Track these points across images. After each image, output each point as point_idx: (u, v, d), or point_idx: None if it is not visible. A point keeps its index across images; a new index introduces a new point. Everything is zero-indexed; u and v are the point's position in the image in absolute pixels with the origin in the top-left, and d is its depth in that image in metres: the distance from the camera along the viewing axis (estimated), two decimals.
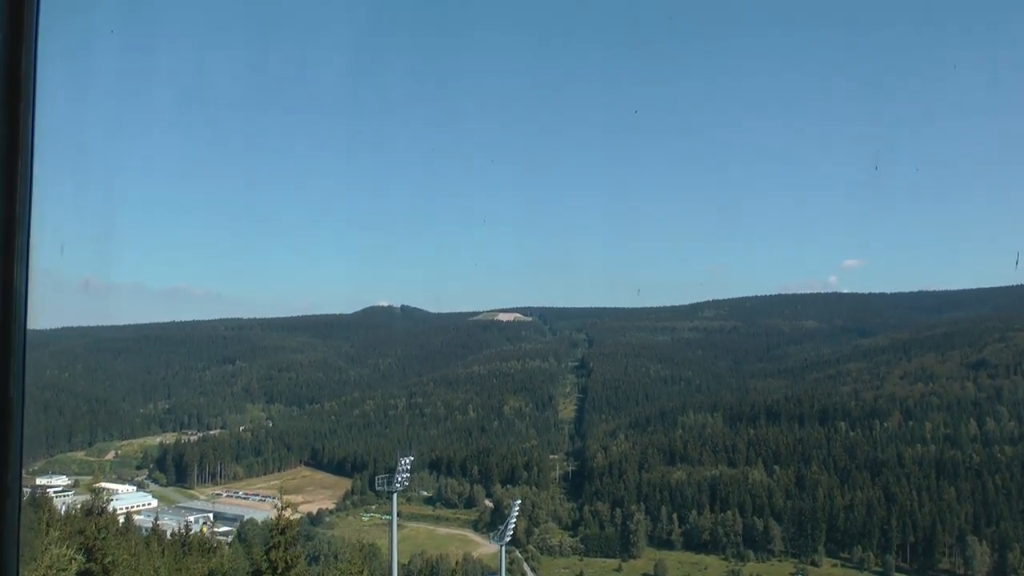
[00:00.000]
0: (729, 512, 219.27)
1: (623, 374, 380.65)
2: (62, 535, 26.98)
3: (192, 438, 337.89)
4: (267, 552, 30.57)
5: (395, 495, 69.52)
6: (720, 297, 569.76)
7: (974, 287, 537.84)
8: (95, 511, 35.32)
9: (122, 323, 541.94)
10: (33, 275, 4.73)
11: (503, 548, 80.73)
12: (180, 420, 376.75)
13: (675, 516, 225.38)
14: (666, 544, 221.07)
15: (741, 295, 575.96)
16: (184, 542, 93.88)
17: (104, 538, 30.14)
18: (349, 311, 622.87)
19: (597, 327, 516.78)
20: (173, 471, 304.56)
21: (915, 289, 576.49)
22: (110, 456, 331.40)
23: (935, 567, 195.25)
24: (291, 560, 30.07)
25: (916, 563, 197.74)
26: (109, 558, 29.30)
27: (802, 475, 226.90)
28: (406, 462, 69.55)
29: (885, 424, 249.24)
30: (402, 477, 69.29)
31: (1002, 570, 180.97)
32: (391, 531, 71.24)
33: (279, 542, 30.04)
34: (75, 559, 24.70)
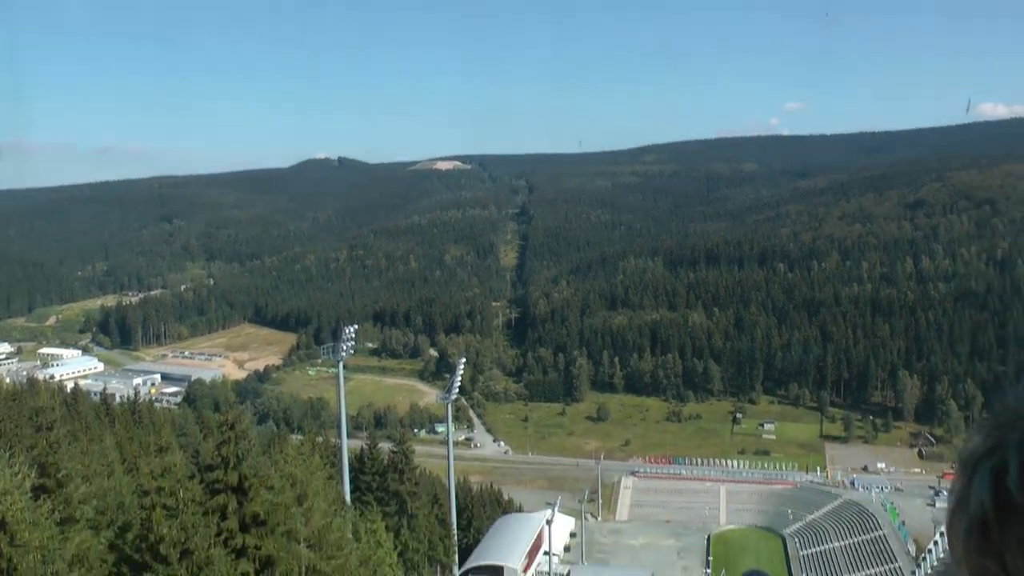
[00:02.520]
0: (670, 355, 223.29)
1: (564, 220, 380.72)
2: (14, 452, 26.22)
3: (133, 299, 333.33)
4: (219, 447, 29.78)
5: (341, 363, 67.07)
6: (661, 141, 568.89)
7: (913, 128, 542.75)
8: (44, 426, 33.92)
9: (53, 184, 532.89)
10: None
11: (449, 405, 79.40)
12: (120, 282, 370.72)
13: (617, 360, 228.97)
14: (608, 387, 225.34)
15: (682, 139, 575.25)
16: (134, 410, 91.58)
17: (56, 452, 29.79)
18: (285, 165, 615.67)
19: (537, 173, 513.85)
20: (117, 334, 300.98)
21: (855, 131, 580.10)
22: (51, 321, 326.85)
23: (867, 401, 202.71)
24: (242, 454, 29.31)
25: (850, 398, 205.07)
26: (63, 472, 28.72)
27: (741, 317, 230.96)
28: (350, 330, 66.71)
29: (823, 264, 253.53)
30: (347, 345, 66.62)
31: (930, 402, 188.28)
32: (340, 402, 68.84)
33: (229, 437, 28.92)
34: (28, 476, 24.40)
